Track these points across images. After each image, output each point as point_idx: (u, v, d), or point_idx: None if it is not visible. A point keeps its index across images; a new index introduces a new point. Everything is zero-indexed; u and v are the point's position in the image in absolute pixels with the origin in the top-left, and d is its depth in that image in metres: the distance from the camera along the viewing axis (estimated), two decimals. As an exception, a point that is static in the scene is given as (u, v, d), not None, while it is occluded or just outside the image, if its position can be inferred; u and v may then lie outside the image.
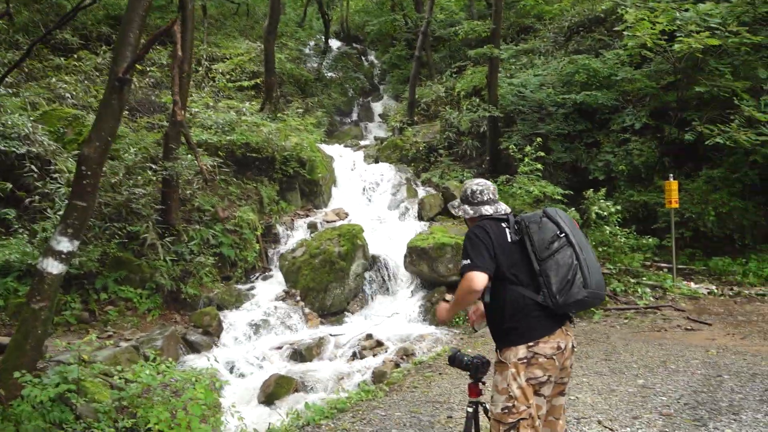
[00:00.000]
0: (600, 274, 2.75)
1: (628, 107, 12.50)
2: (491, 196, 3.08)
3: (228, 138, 11.81)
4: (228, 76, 15.78)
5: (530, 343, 2.70)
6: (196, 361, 7.67)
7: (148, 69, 15.26)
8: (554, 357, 2.70)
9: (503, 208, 3.08)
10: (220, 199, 11.13)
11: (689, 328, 7.34)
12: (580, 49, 15.13)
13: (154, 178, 9.92)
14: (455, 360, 3.05)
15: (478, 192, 3.07)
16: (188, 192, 10.40)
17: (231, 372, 7.59)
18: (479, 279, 2.73)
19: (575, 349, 2.87)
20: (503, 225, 2.92)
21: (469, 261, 2.76)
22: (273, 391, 6.87)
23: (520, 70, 15.80)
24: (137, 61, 5.22)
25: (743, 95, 9.99)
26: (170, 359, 7.29)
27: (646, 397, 4.68)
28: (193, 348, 8.06)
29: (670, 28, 10.11)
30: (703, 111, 10.94)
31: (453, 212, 3.20)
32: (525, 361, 2.70)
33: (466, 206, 3.09)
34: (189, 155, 10.39)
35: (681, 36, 9.74)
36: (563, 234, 2.75)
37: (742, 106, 9.69)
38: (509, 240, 2.86)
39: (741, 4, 9.86)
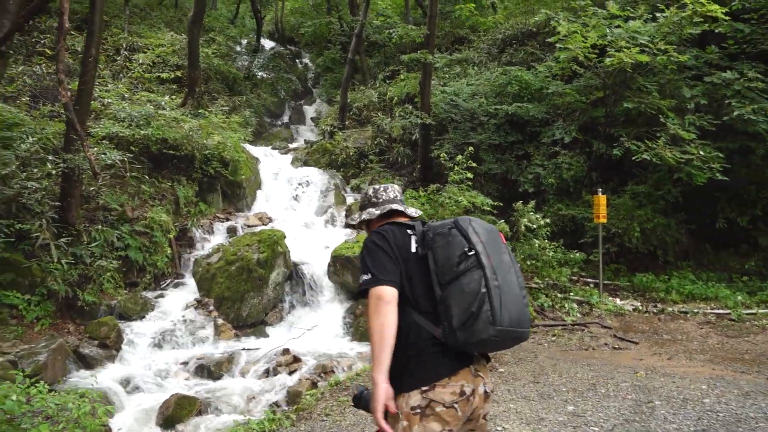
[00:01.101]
0: (522, 305, 2.20)
1: (558, 121, 12.50)
2: (397, 194, 2.69)
3: (142, 132, 10.91)
4: (146, 67, 14.75)
5: (425, 388, 2.15)
6: (87, 378, 6.84)
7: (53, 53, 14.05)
8: (456, 406, 2.14)
9: (412, 210, 2.67)
10: (130, 197, 10.22)
11: (616, 347, 7.18)
12: (512, 61, 15.15)
13: (54, 172, 8.95)
14: (360, 401, 2.40)
15: (381, 190, 2.68)
16: (92, 189, 9.45)
17: (127, 390, 6.80)
18: (388, 292, 2.22)
19: (490, 395, 2.31)
20: (408, 232, 2.43)
21: (369, 276, 2.25)
22: (173, 414, 6.16)
23: (453, 79, 15.66)
24: (16, 30, 4.47)
25: (669, 113, 10.11)
26: (58, 377, 6.48)
27: (577, 428, 4.35)
28: (86, 363, 7.21)
29: (602, 42, 10.13)
30: (630, 127, 11.03)
31: (353, 224, 2.71)
32: (419, 411, 2.14)
33: (371, 208, 2.65)
34: (96, 148, 9.48)
35: (612, 51, 9.74)
36: (473, 252, 2.21)
37: (668, 124, 9.78)
38: (413, 251, 2.37)
39: (668, 24, 9.98)
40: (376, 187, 2.71)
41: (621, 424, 4.41)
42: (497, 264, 2.21)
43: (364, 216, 2.64)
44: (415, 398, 2.15)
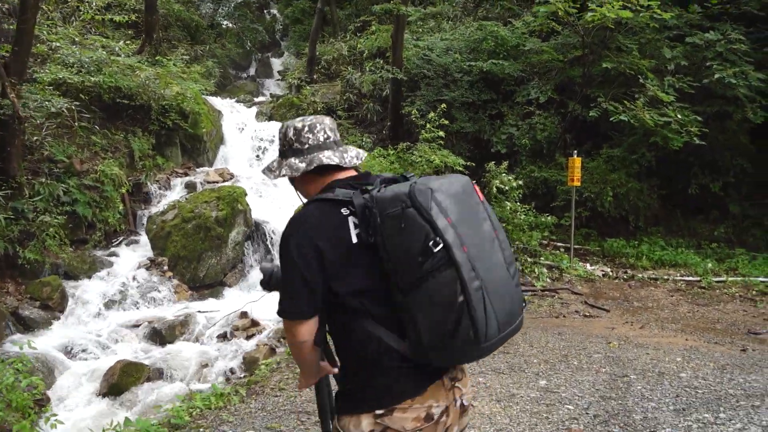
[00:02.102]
0: (513, 292, 1.68)
1: (534, 80, 12.08)
2: (329, 135, 1.90)
3: (93, 79, 10.12)
4: (97, 10, 13.74)
5: (379, 411, 1.67)
6: (30, 340, 6.35)
7: (3, -7, 12.98)
8: None
9: (352, 154, 1.92)
10: (79, 149, 9.52)
11: (588, 314, 6.97)
12: (489, 17, 14.57)
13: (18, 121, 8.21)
14: (270, 282, 2.04)
15: (306, 130, 1.88)
16: (35, 139, 8.74)
17: (70, 356, 6.33)
18: (302, 331, 1.76)
19: (468, 408, 1.82)
20: (343, 213, 1.72)
21: (280, 304, 1.75)
22: (118, 381, 5.74)
23: (427, 33, 15.03)
24: None
25: (648, 74, 9.77)
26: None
27: (551, 406, 4.07)
28: (27, 326, 6.72)
29: (583, -4, 9.65)
30: (607, 88, 10.69)
31: (271, 177, 1.96)
32: None
33: (292, 159, 1.87)
34: (39, 94, 8.74)
35: (593, 5, 9.29)
36: (441, 244, 1.54)
37: (647, 85, 9.46)
38: (354, 241, 1.69)
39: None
40: (299, 125, 1.90)
41: (597, 401, 4.14)
42: (476, 249, 1.59)
43: (284, 171, 1.88)
44: (366, 422, 1.68)
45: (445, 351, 1.59)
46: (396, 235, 1.60)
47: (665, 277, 8.82)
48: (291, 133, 1.89)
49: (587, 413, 3.95)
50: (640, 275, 8.89)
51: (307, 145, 1.87)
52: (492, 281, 1.59)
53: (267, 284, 2.06)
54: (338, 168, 1.88)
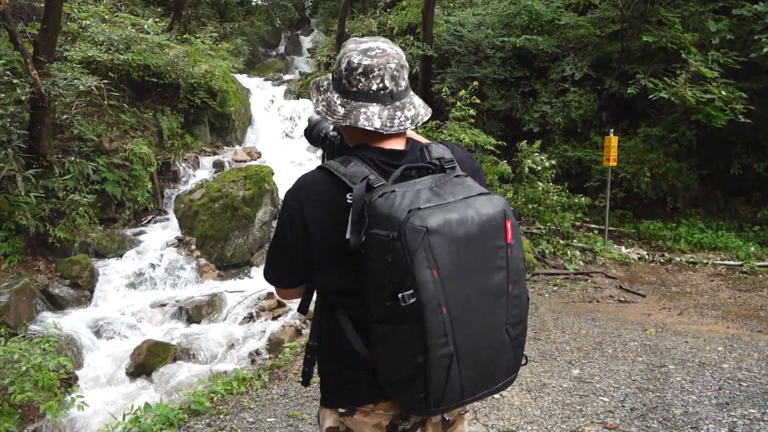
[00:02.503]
0: (506, 359, 1.43)
1: (569, 56, 11.67)
2: (388, 84, 1.50)
3: (122, 57, 10.09)
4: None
5: (342, 410, 1.55)
6: (58, 321, 6.40)
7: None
8: None
9: (408, 114, 1.53)
10: (108, 127, 9.54)
11: (622, 299, 6.72)
12: (523, -10, 14.08)
13: (24, 98, 8.25)
14: (312, 133, 1.93)
15: (360, 71, 1.49)
16: (64, 117, 8.77)
17: (99, 335, 6.37)
18: (284, 294, 1.69)
19: (458, 422, 1.61)
20: (348, 198, 1.44)
21: (265, 266, 1.66)
22: (144, 361, 5.76)
23: (458, 8, 14.64)
24: None
25: (692, 49, 9.31)
26: (23, 319, 6.04)
27: (585, 398, 3.90)
28: (56, 304, 6.77)
29: (623, -33, 9.19)
30: (647, 64, 10.24)
31: (311, 99, 1.65)
32: None
33: (335, 96, 1.55)
34: (69, 73, 8.73)
35: (634, -24, 8.86)
36: (413, 299, 1.27)
37: (690, 60, 9.01)
38: (347, 235, 1.42)
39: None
40: (355, 60, 1.50)
41: (633, 393, 3.95)
42: (464, 309, 1.33)
43: (320, 107, 1.58)
44: (331, 419, 1.58)
45: (395, 391, 1.43)
46: (376, 260, 1.35)
47: (704, 261, 8.48)
48: (344, 64, 1.52)
49: (623, 406, 3.76)
50: (677, 259, 8.56)
51: (355, 89, 1.51)
52: (473, 348, 1.35)
53: (309, 135, 1.94)
54: (378, 137, 1.53)
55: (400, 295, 1.28)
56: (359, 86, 1.51)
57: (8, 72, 8.43)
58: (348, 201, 1.45)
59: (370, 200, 1.38)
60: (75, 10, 11.34)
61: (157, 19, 13.29)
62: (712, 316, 6.12)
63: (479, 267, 1.36)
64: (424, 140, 1.71)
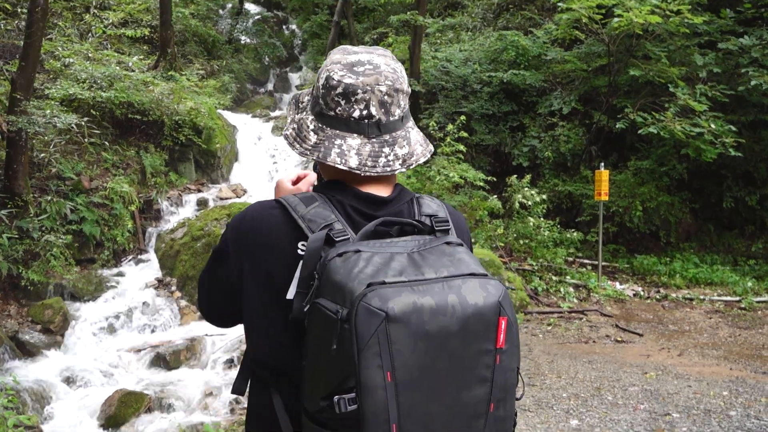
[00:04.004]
0: None
1: (557, 90, 11.65)
2: (374, 112, 1.19)
3: (104, 95, 9.94)
4: (112, 25, 13.66)
5: None
6: (26, 370, 6.07)
7: (20, 11, 12.97)
8: None
9: (399, 153, 1.21)
10: (88, 165, 9.32)
11: (620, 339, 6.47)
12: (509, 27, 14.21)
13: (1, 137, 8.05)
14: None
15: (339, 91, 1.18)
16: (42, 156, 8.55)
17: (69, 384, 6.01)
18: (210, 324, 1.46)
19: None
20: (300, 248, 1.15)
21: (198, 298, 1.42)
22: (116, 412, 5.39)
23: (445, 45, 14.70)
24: None
25: (679, 82, 9.28)
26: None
27: (586, 453, 3.63)
28: (26, 351, 6.41)
29: (609, 1, 9.20)
30: (634, 98, 10.21)
31: (288, 118, 1.36)
32: None
33: (309, 119, 1.25)
34: (48, 110, 8.54)
35: (620, 11, 8.85)
36: (353, 407, 0.96)
37: (678, 94, 8.98)
38: (289, 296, 1.13)
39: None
40: (336, 76, 1.20)
41: (637, 447, 3.69)
42: (424, 429, 1.01)
43: (290, 129, 1.29)
44: None
45: None
46: (317, 342, 1.03)
47: (701, 296, 8.27)
48: (322, 80, 1.22)
49: (627, 462, 3.50)
50: (673, 295, 8.35)
51: (332, 113, 1.20)
52: None
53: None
54: (359, 179, 1.22)
55: (336, 399, 0.96)
56: (337, 110, 1.19)
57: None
58: (299, 252, 1.15)
59: (325, 257, 1.06)
60: (59, 48, 11.26)
61: (142, 57, 13.23)
62: (713, 356, 5.88)
63: (453, 376, 1.01)
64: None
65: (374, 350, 0.95)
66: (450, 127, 9.98)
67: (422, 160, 1.26)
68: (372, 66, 1.20)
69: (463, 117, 10.16)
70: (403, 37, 14.65)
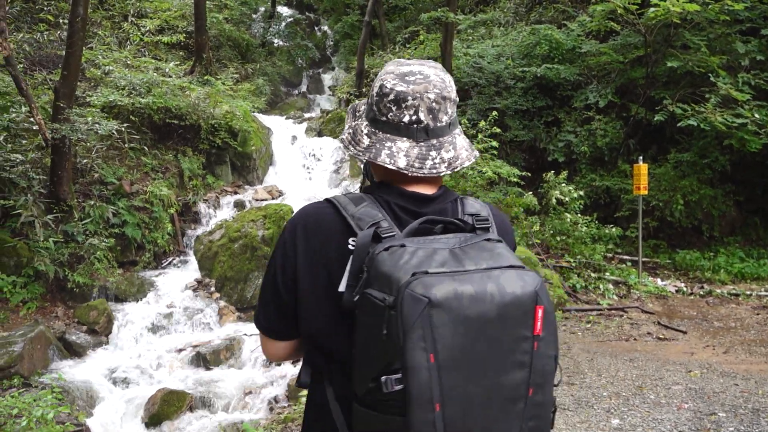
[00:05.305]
0: None
1: (592, 83, 11.44)
2: (422, 117, 1.28)
3: (143, 101, 10.18)
4: (149, 32, 13.97)
5: None
6: (73, 369, 6.26)
7: (61, 21, 13.39)
8: None
9: (446, 156, 1.30)
10: (129, 170, 9.56)
11: (662, 336, 6.32)
12: (542, 20, 14.00)
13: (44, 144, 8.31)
14: None
15: (391, 97, 1.29)
16: (85, 161, 8.80)
17: (114, 383, 6.18)
18: (270, 350, 1.42)
19: None
20: (351, 244, 1.23)
21: (256, 308, 1.42)
22: (159, 411, 5.53)
23: (477, 41, 14.58)
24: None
25: (720, 72, 9.00)
26: (37, 368, 5.91)
27: (627, 453, 3.56)
28: (73, 351, 6.62)
29: (646, -9, 8.99)
30: (673, 89, 9.95)
31: (345, 125, 1.47)
32: None
33: (364, 125, 1.36)
34: (90, 117, 8.79)
35: (656, 0, 8.64)
36: (400, 384, 1.03)
37: (718, 84, 8.70)
38: (341, 289, 1.22)
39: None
40: (389, 85, 1.30)
41: (681, 447, 3.60)
42: (463, 410, 1.04)
43: (345, 134, 1.41)
44: None
45: None
46: (366, 327, 1.11)
47: (747, 292, 8.01)
48: (376, 89, 1.32)
49: (671, 463, 3.42)
50: (718, 291, 8.11)
51: (384, 118, 1.30)
52: None
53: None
54: (407, 180, 1.31)
55: (383, 379, 1.03)
56: (389, 116, 1.30)
57: (31, 119, 8.55)
58: (350, 247, 1.24)
59: (373, 252, 1.14)
60: (99, 57, 11.57)
61: (178, 62, 13.50)
62: (761, 353, 5.69)
63: (492, 360, 1.07)
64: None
65: (419, 333, 1.02)
66: (482, 123, 9.90)
67: (467, 164, 1.34)
68: (423, 76, 1.30)
69: (495, 113, 10.06)
70: (435, 35, 14.61)
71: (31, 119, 8.13)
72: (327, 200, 1.33)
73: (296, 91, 21.80)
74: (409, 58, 1.40)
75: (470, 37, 14.96)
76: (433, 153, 1.29)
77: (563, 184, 9.14)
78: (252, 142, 12.05)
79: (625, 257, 9.46)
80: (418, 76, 1.29)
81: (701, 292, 8.14)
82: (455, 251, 1.13)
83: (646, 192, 8.80)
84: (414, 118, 1.28)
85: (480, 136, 9.71)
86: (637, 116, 10.37)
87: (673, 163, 10.11)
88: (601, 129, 10.69)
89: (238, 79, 14.98)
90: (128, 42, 14.24)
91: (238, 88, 13.37)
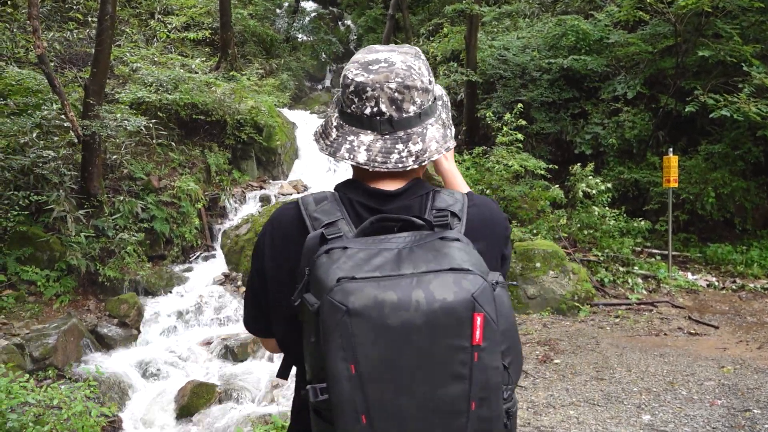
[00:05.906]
0: None
1: (620, 74, 11.25)
2: (384, 108, 1.20)
3: (170, 97, 10.31)
4: (175, 29, 14.11)
5: None
6: (105, 361, 6.38)
7: (90, 20, 13.60)
8: None
9: (413, 149, 1.21)
10: (157, 166, 9.69)
11: (693, 331, 6.21)
12: (568, 11, 13.81)
13: (77, 140, 8.47)
14: None
15: (351, 89, 1.22)
16: (114, 157, 8.94)
17: (144, 375, 6.29)
18: (266, 346, 1.45)
19: None
20: (309, 242, 1.16)
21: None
22: (188, 403, 5.62)
23: (502, 32, 14.44)
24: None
25: (753, 61, 8.78)
26: (70, 360, 6.03)
27: (659, 449, 3.51)
28: (104, 344, 6.75)
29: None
30: (704, 79, 9.73)
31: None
32: None
33: (335, 116, 1.29)
34: (119, 114, 8.93)
35: (687, -11, 8.46)
36: (324, 396, 1.02)
37: (752, 73, 8.49)
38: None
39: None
40: (350, 75, 1.24)
41: (715, 444, 3.54)
42: (392, 425, 1.00)
43: (318, 127, 1.34)
44: None
45: None
46: (305, 335, 1.08)
47: (782, 286, 7.83)
48: (341, 78, 1.27)
49: (704, 460, 3.36)
50: (751, 285, 7.94)
51: (349, 111, 1.24)
52: None
53: None
54: (367, 175, 1.25)
55: (308, 387, 1.02)
56: (352, 108, 1.22)
57: (62, 116, 8.72)
58: (309, 242, 1.18)
59: (315, 257, 1.09)
60: (127, 54, 11.73)
61: (204, 59, 13.63)
62: (796, 349, 5.56)
63: (423, 372, 0.99)
64: (463, 186, 1.42)
65: (338, 342, 0.98)
66: (507, 116, 9.81)
67: (435, 156, 1.24)
68: (387, 64, 1.21)
69: (520, 105, 9.96)
70: (459, 27, 14.49)
71: (62, 116, 8.30)
72: (295, 201, 1.30)
73: (320, 86, 21.87)
74: (385, 45, 1.25)
75: (495, 29, 14.82)
76: (400, 146, 1.21)
77: (590, 177, 9.02)
78: (277, 137, 12.13)
79: (654, 251, 9.30)
80: (382, 64, 1.21)
81: (733, 287, 7.97)
82: (402, 252, 1.06)
83: (676, 185, 8.64)
84: (375, 110, 1.20)
85: (505, 128, 9.63)
86: (666, 107, 10.18)
87: (704, 155, 9.90)
88: (630, 121, 10.51)
89: (262, 74, 15.07)
90: (155, 39, 14.41)
91: (262, 83, 13.44)
